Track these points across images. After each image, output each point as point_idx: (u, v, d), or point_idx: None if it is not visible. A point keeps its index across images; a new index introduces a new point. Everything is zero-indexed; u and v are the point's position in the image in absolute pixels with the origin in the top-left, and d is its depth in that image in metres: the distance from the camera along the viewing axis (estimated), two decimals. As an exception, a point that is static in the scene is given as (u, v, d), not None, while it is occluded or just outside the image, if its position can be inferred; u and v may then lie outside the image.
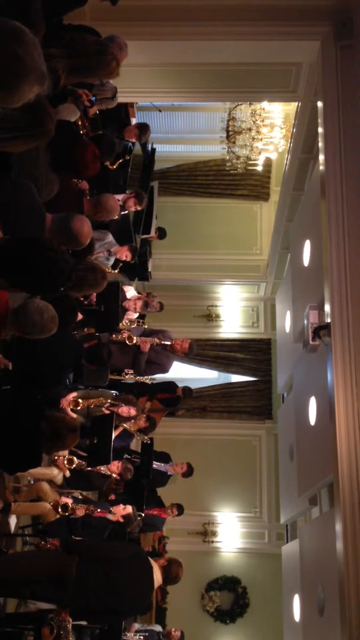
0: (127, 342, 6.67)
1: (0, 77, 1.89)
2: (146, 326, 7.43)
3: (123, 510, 5.91)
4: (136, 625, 6.89)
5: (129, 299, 7.12)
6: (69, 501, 5.67)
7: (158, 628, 7.09)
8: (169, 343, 7.04)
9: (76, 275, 3.71)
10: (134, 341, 6.70)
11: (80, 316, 5.29)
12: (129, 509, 5.94)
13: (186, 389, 8.06)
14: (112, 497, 6.99)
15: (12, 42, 1.89)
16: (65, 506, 5.52)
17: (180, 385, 8.29)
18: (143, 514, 6.90)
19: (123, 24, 5.96)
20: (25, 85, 1.93)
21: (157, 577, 4.55)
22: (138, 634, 6.73)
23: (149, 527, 7.55)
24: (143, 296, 7.47)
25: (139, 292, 8.27)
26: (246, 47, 6.51)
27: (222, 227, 11.95)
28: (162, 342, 6.99)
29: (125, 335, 6.72)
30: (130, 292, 7.45)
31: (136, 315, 7.22)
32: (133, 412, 6.20)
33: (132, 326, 6.97)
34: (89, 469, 5.82)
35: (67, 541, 4.55)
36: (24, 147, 2.70)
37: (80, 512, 5.63)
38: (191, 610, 10.70)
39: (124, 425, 6.55)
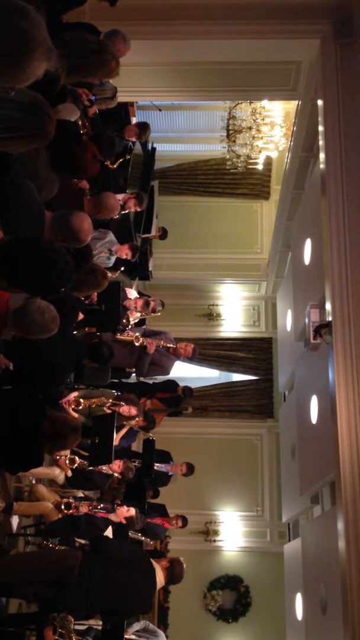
0: (134, 342, 6.69)
1: (10, 53, 1.92)
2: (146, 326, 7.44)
3: (126, 512, 5.91)
4: (135, 627, 6.83)
5: (130, 299, 7.11)
6: (71, 500, 5.68)
7: (162, 637, 6.99)
8: (173, 346, 7.07)
9: (76, 278, 3.70)
10: (141, 342, 6.72)
11: (81, 315, 5.29)
12: (132, 511, 5.93)
13: (186, 389, 8.07)
14: (118, 502, 6.98)
15: (19, 19, 1.92)
16: (68, 504, 5.52)
17: (180, 384, 8.29)
18: (144, 516, 6.89)
19: (122, 23, 5.94)
20: (34, 61, 1.95)
21: (160, 579, 4.55)
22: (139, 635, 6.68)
23: (150, 535, 7.54)
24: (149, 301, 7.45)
25: (140, 293, 8.25)
26: (246, 45, 6.51)
27: (222, 226, 11.94)
28: (167, 345, 7.01)
29: (132, 335, 6.73)
30: (133, 296, 7.43)
31: (137, 315, 7.20)
32: (134, 411, 6.20)
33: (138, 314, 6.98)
34: (91, 468, 5.82)
35: (98, 539, 4.66)
36: (23, 148, 2.69)
37: (84, 508, 5.63)
38: (193, 610, 10.69)
39: (130, 423, 6.56)
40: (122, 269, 6.92)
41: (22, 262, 3.00)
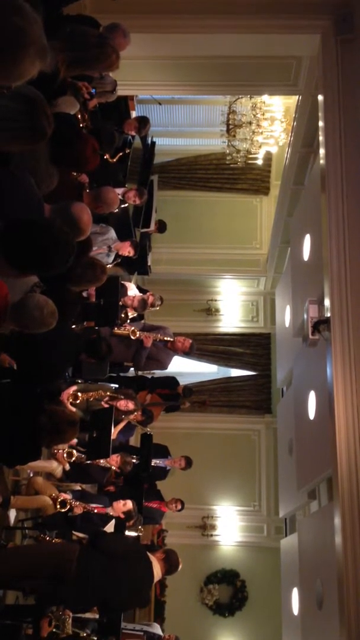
0: (130, 336, 6.69)
1: (2, 48, 1.88)
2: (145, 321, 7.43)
3: (123, 506, 5.91)
4: (130, 625, 6.86)
5: (128, 296, 7.10)
6: (68, 497, 5.68)
7: (157, 630, 7.02)
8: (171, 340, 7.06)
9: (75, 273, 3.69)
10: (137, 335, 6.73)
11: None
12: (129, 504, 5.94)
13: (186, 389, 8.07)
14: (112, 488, 6.99)
15: (12, 14, 1.88)
16: (63, 502, 5.52)
17: (181, 382, 8.29)
18: (142, 514, 6.90)
19: (123, 16, 5.92)
20: (27, 57, 1.91)
21: (157, 572, 4.57)
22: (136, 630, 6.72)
23: (148, 520, 7.56)
24: (148, 296, 7.43)
25: (139, 288, 8.24)
26: (247, 40, 6.49)
27: (222, 221, 11.93)
28: (164, 339, 7.01)
29: (129, 329, 6.73)
30: (132, 290, 7.43)
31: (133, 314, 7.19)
32: (131, 405, 6.21)
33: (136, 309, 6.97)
34: (89, 462, 5.82)
35: (95, 535, 4.65)
36: (16, 144, 2.64)
37: (79, 510, 5.64)
38: (190, 604, 10.73)
39: (128, 417, 6.56)
40: (119, 260, 6.91)
41: (22, 243, 2.97)
